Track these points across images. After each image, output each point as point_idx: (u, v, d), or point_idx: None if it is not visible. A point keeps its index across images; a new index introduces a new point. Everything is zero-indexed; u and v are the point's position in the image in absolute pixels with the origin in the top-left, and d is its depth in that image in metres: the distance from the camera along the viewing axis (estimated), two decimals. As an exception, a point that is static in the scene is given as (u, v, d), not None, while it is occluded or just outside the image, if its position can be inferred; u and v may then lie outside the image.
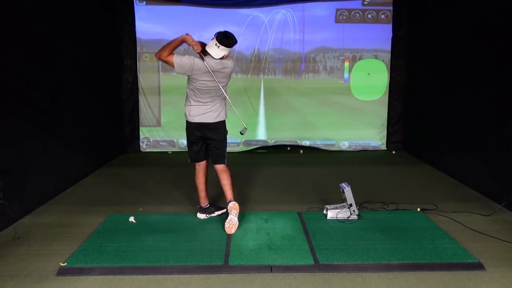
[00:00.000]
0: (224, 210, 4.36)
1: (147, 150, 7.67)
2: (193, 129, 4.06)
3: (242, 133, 4.12)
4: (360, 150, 7.72)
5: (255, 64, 7.60)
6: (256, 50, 7.56)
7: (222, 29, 3.95)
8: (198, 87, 3.92)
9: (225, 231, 3.88)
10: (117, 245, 3.62)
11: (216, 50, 3.84)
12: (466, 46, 5.41)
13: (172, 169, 6.22)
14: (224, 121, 4.12)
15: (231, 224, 3.90)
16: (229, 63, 3.95)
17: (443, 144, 6.06)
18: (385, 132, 7.78)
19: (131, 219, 4.17)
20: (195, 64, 3.82)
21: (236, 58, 7.46)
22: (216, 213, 4.33)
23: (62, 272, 3.19)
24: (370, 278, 3.12)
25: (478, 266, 3.26)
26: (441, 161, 6.13)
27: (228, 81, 4.06)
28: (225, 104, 4.12)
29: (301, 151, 7.60)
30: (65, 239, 3.77)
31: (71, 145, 5.38)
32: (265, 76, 7.66)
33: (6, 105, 4.07)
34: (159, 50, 3.80)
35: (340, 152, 7.66)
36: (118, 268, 3.23)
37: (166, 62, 3.84)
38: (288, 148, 7.74)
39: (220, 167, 4.15)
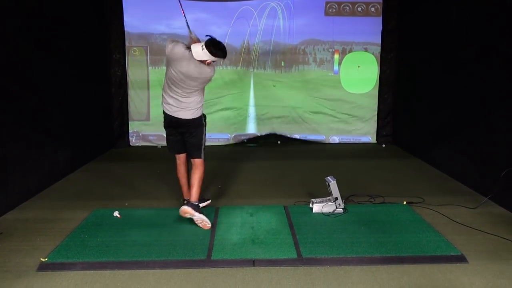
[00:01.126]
0: (209, 202, 4.34)
1: (136, 144, 7.63)
2: (167, 121, 4.02)
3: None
4: (349, 143, 7.72)
5: (244, 56, 7.56)
6: (245, 42, 7.51)
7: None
8: (170, 76, 3.80)
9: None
10: (100, 240, 3.59)
11: (199, 51, 3.68)
12: (455, 39, 5.40)
13: (160, 163, 6.18)
14: (200, 116, 3.99)
15: (200, 222, 3.82)
16: (208, 70, 3.79)
17: (432, 138, 6.05)
18: (375, 126, 7.77)
19: (116, 213, 4.14)
20: (176, 46, 3.74)
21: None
22: (200, 205, 4.28)
23: (43, 267, 3.16)
24: (353, 271, 3.11)
25: (461, 259, 3.26)
26: (430, 154, 6.13)
27: (204, 85, 3.93)
28: (202, 101, 3.97)
29: (278, 142, 7.71)
30: (48, 234, 3.74)
31: (58, 140, 5.34)
32: (255, 70, 7.63)
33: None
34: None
35: (330, 146, 7.65)
36: (99, 263, 3.21)
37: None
38: (278, 142, 7.72)
39: (195, 161, 4.05)
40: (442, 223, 3.96)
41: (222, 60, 3.92)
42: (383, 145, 7.62)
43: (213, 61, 3.78)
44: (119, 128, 7.49)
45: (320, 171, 5.30)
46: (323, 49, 7.59)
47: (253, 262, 3.23)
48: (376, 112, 7.74)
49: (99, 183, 5.34)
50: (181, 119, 3.91)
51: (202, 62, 3.74)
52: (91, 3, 6.59)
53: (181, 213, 3.83)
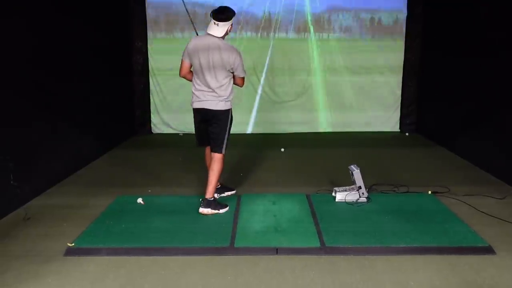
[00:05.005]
0: (234, 192, 4.36)
1: (158, 131, 7.67)
2: (195, 114, 4.03)
3: None
4: (372, 132, 7.61)
5: (265, 24, 7.46)
6: (266, 10, 7.41)
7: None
8: (195, 70, 3.86)
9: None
10: (124, 226, 3.64)
11: (217, 28, 3.77)
12: (482, 26, 5.23)
13: (182, 150, 6.22)
14: (228, 110, 3.91)
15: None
16: (226, 46, 3.78)
17: (457, 126, 5.92)
18: (398, 114, 7.64)
19: (139, 200, 4.18)
20: (187, 47, 3.84)
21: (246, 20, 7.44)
22: (226, 193, 4.33)
23: (70, 252, 3.22)
24: (377, 261, 3.08)
25: (488, 250, 3.18)
26: (455, 143, 6.00)
27: (230, 72, 3.83)
28: (230, 93, 3.90)
29: (282, 150, 6.32)
30: (73, 220, 3.81)
31: (82, 127, 5.41)
32: (277, 35, 7.50)
33: (15, 87, 4.07)
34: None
35: (352, 134, 7.55)
36: (124, 249, 3.25)
37: (185, 68, 3.91)
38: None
39: (214, 156, 3.94)
40: (468, 213, 3.88)
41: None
42: (407, 134, 7.50)
43: (232, 26, 3.85)
44: (141, 116, 7.55)
45: (342, 160, 5.25)
46: (349, 17, 7.44)
47: (276, 250, 3.22)
48: (400, 100, 7.60)
49: (122, 170, 5.40)
50: (207, 109, 3.86)
51: (223, 38, 3.80)
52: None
53: (202, 213, 3.88)
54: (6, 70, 3.92)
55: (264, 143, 6.87)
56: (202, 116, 3.94)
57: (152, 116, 7.64)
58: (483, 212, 3.89)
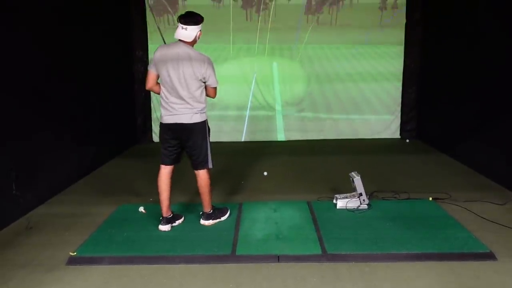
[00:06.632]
0: (182, 219, 3.97)
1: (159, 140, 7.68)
2: (165, 130, 3.68)
3: None
4: (373, 139, 7.62)
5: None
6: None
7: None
8: (162, 82, 3.55)
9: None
10: (126, 234, 3.65)
11: (185, 33, 3.48)
12: (482, 32, 5.26)
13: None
14: (204, 121, 3.65)
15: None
16: (197, 55, 3.50)
17: (457, 132, 5.94)
18: (399, 120, 7.66)
19: (141, 209, 4.20)
20: (154, 57, 3.56)
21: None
22: (177, 222, 3.91)
23: (72, 261, 3.23)
24: (378, 268, 3.08)
25: (490, 256, 3.19)
26: (455, 149, 6.01)
27: (203, 82, 3.56)
28: (205, 103, 3.64)
29: (265, 173, 5.52)
30: (76, 229, 3.83)
31: (83, 136, 5.44)
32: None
33: (18, 97, 4.11)
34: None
35: (352, 141, 7.57)
36: (126, 258, 3.26)
37: (152, 80, 3.63)
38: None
39: (198, 173, 3.77)
40: (469, 219, 3.88)
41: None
42: (407, 140, 7.51)
43: (201, 32, 3.55)
44: (142, 124, 7.59)
45: (343, 167, 5.27)
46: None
47: (278, 258, 3.23)
48: (400, 107, 7.63)
49: (124, 179, 5.43)
50: (181, 124, 3.56)
51: (191, 44, 3.55)
52: (114, 1, 6.67)
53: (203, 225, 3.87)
54: (8, 80, 3.96)
55: (264, 151, 6.89)
56: (175, 132, 3.61)
57: (153, 125, 7.67)
58: (484, 218, 3.89)
